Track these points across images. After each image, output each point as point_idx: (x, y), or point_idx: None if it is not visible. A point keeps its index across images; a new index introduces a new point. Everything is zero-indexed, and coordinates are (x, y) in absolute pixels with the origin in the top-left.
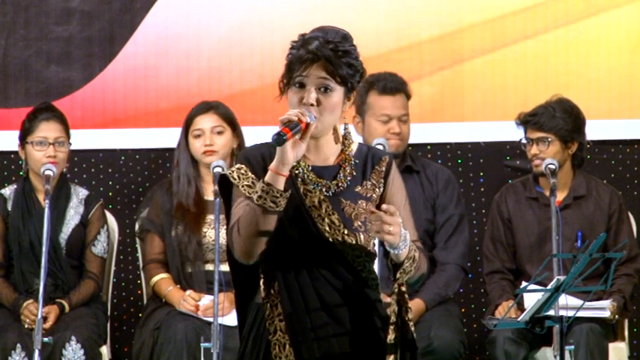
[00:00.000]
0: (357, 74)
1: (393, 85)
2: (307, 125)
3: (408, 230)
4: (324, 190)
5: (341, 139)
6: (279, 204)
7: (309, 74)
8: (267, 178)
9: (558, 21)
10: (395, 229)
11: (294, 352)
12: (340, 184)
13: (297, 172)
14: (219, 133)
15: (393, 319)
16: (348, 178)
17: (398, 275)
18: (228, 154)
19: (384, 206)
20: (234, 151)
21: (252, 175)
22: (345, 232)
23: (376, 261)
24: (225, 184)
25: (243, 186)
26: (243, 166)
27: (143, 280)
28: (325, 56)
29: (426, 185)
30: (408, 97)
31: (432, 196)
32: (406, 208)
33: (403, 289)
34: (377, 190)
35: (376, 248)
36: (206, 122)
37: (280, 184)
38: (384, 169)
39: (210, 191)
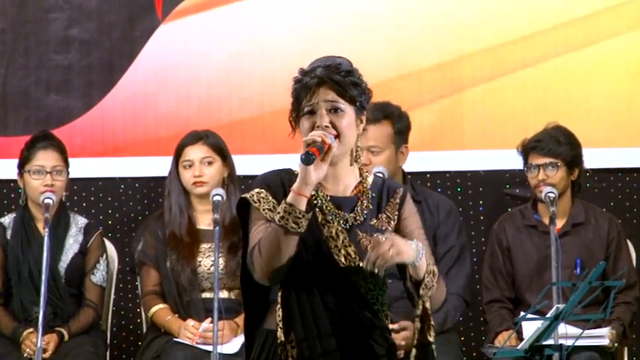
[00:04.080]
0: (364, 94)
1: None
2: (330, 147)
3: (425, 254)
4: (341, 222)
5: (356, 164)
6: (301, 225)
7: (318, 99)
8: (289, 199)
9: (558, 49)
10: (400, 248)
11: None
12: (358, 218)
13: (315, 202)
14: (209, 163)
15: (416, 336)
16: (365, 211)
17: (421, 292)
18: (219, 184)
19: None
20: (224, 180)
21: (273, 200)
22: (361, 264)
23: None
24: (242, 208)
25: (263, 209)
26: (263, 190)
27: (142, 310)
28: (331, 78)
29: (427, 215)
30: (395, 125)
31: (433, 226)
32: (421, 234)
33: (427, 305)
34: (392, 222)
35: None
36: (195, 153)
37: (302, 204)
38: (398, 200)
39: (202, 221)
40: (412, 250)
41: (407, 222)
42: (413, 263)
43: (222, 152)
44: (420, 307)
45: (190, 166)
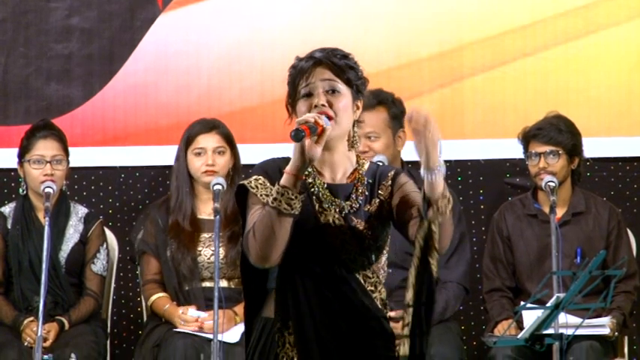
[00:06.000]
0: (360, 80)
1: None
2: (323, 129)
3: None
4: (337, 209)
5: (354, 150)
6: (294, 206)
7: (315, 78)
8: (282, 180)
9: (558, 38)
10: (437, 135)
11: None
12: (353, 205)
13: (312, 189)
14: (221, 153)
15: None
16: (360, 197)
17: (430, 214)
18: (225, 174)
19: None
20: (229, 170)
21: (271, 187)
22: (358, 250)
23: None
24: (241, 195)
25: (261, 194)
26: (260, 177)
27: (143, 298)
28: (329, 59)
29: None
30: (390, 110)
31: None
32: (419, 197)
33: (434, 228)
34: (384, 205)
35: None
36: (209, 142)
37: (296, 186)
38: (390, 182)
39: (204, 210)
40: (438, 155)
41: (404, 187)
42: (429, 171)
43: (232, 142)
44: (426, 225)
45: (201, 154)
